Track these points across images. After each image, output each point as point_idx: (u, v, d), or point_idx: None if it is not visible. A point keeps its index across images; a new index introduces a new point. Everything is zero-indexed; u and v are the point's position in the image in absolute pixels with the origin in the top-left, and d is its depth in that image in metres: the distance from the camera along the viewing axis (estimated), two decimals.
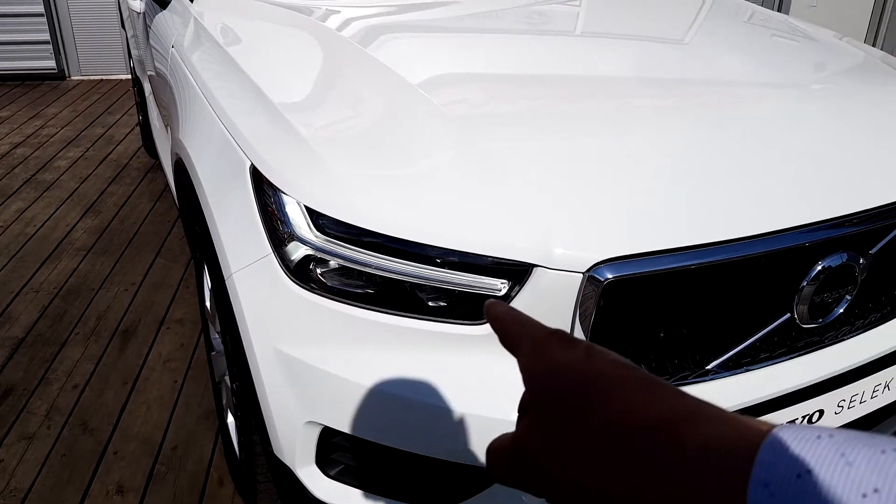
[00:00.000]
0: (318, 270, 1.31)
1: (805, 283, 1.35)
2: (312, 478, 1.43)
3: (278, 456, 1.44)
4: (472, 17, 2.09)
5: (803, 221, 1.33)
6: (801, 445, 0.31)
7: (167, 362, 2.49)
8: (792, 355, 1.43)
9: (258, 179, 1.38)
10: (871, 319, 1.53)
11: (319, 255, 1.29)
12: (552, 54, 1.82)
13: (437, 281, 1.24)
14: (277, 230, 1.33)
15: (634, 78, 1.73)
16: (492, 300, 0.49)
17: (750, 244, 1.28)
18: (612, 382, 0.39)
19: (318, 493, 1.43)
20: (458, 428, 1.28)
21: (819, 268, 1.35)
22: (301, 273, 1.32)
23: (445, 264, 1.23)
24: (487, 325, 1.24)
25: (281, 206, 1.32)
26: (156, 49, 2.57)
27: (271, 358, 1.35)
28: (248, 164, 1.41)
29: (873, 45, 6.62)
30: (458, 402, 1.27)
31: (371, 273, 1.27)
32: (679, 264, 1.23)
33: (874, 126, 1.63)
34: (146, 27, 2.84)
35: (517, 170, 1.29)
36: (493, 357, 1.27)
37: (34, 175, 4.14)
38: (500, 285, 1.23)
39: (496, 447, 0.44)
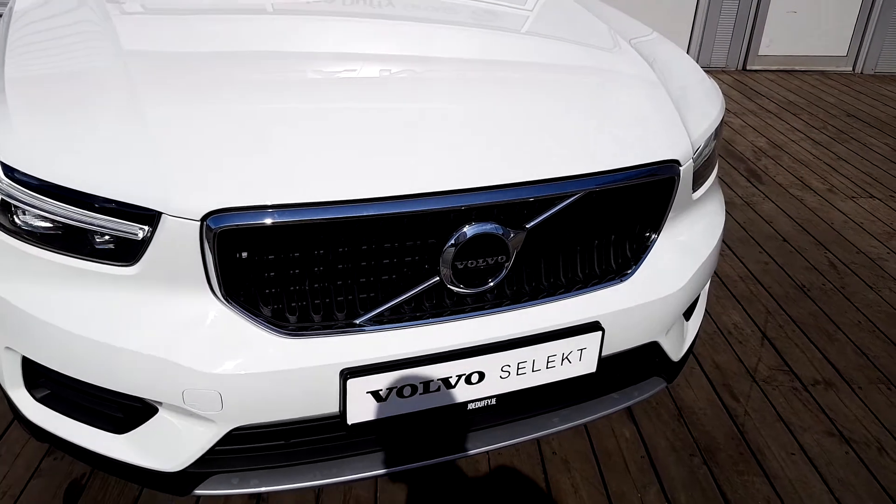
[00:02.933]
0: (12, 214, 1.47)
1: (447, 247, 1.44)
2: (22, 401, 1.60)
3: None
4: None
5: (447, 188, 1.42)
6: None
7: None
8: (453, 318, 1.52)
9: None
10: (544, 292, 1.59)
11: (7, 199, 1.45)
12: (301, 37, 1.94)
13: (91, 224, 1.39)
14: None
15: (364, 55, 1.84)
16: None
17: (377, 205, 1.38)
18: None
19: (29, 415, 1.60)
20: (123, 362, 1.42)
21: (461, 234, 1.44)
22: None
23: (99, 210, 1.38)
24: (139, 265, 1.39)
25: None
26: None
27: None
28: None
29: (857, 54, 6.42)
30: (122, 340, 1.41)
31: (45, 216, 1.42)
32: (302, 218, 1.35)
33: (579, 108, 1.70)
34: None
35: (166, 131, 1.43)
36: (145, 295, 1.42)
37: None
38: (138, 230, 1.37)
39: None
